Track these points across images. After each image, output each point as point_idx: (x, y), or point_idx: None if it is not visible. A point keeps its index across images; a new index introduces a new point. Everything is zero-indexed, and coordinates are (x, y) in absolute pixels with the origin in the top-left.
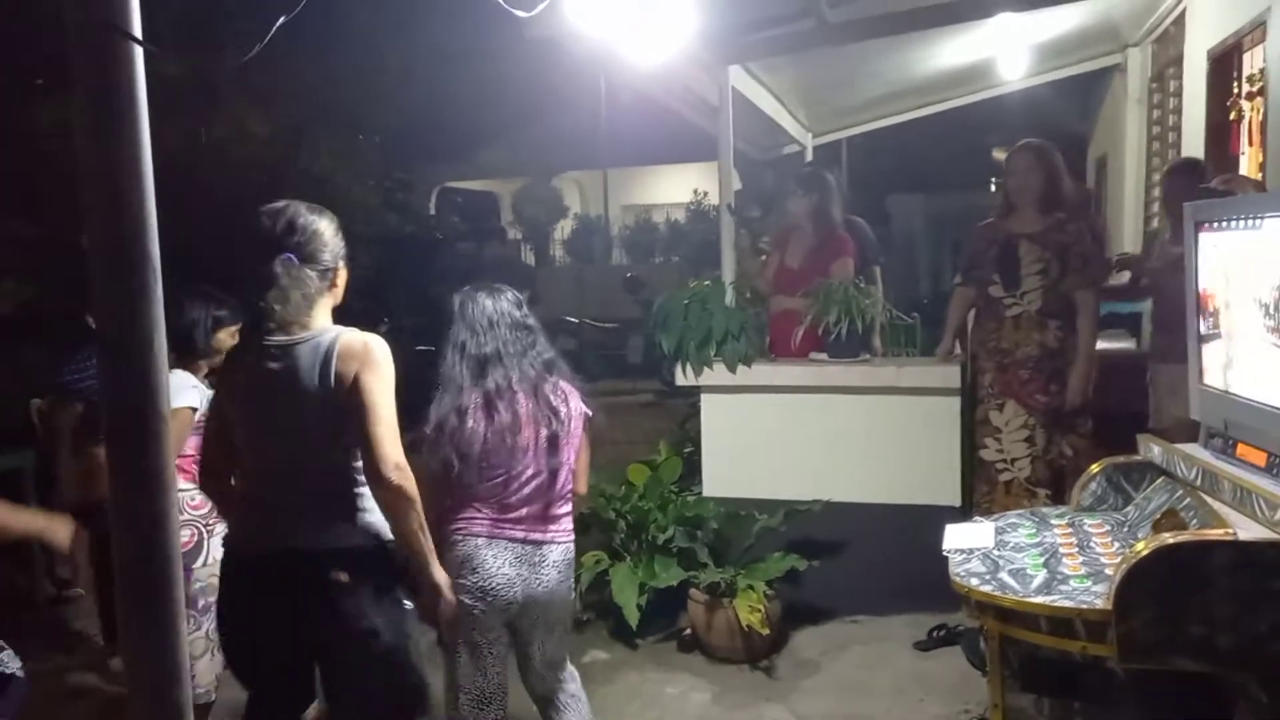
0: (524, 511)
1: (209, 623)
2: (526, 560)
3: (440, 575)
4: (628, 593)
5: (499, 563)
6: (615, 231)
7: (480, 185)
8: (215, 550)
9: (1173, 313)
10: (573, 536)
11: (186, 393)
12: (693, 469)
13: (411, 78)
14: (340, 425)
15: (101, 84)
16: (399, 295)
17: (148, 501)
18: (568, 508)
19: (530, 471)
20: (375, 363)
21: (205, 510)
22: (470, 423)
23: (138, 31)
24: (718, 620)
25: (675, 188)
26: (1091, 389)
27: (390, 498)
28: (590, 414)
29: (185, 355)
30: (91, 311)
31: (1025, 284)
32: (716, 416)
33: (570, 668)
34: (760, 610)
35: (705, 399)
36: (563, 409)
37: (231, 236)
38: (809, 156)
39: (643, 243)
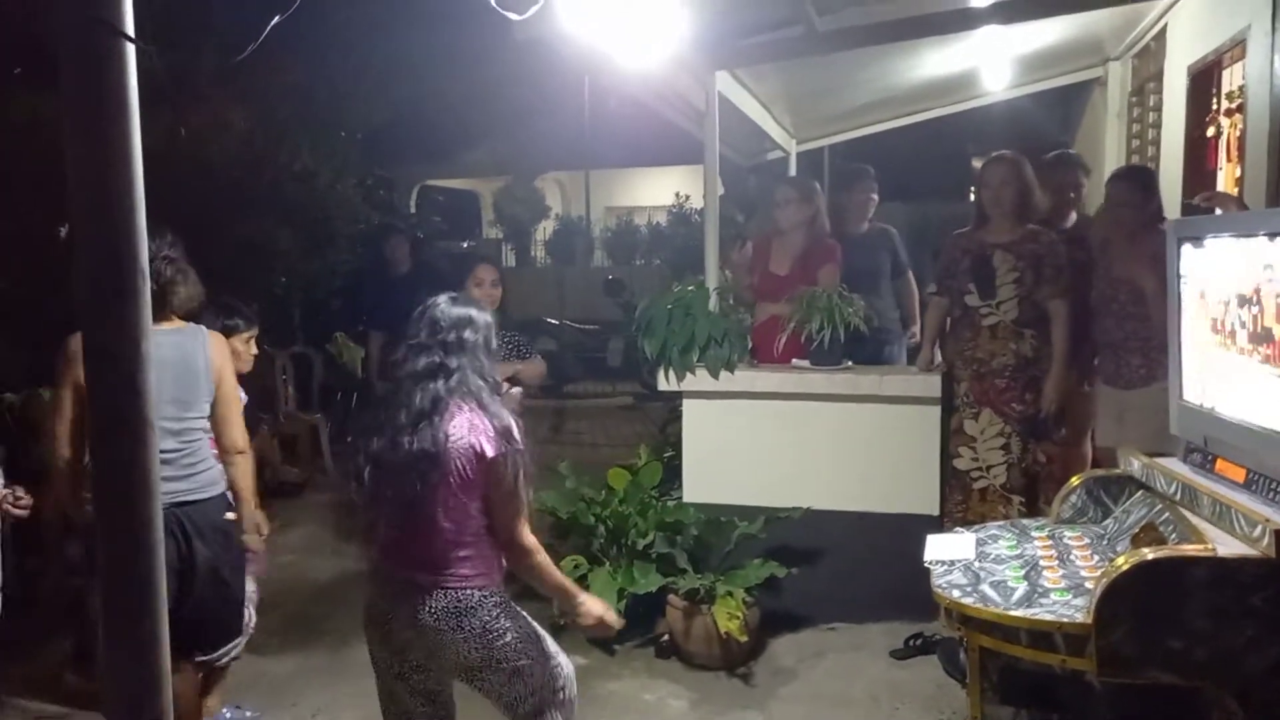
0: (401, 548)
1: None
2: (407, 599)
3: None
4: (606, 598)
5: (380, 593)
6: (597, 233)
7: (462, 184)
8: None
9: (1115, 330)
10: (471, 584)
11: None
12: (673, 474)
13: (395, 76)
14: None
15: (93, 83)
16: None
17: (132, 507)
18: (465, 553)
19: (401, 507)
20: (229, 356)
21: None
22: (362, 441)
23: (130, 29)
24: (696, 627)
25: (657, 190)
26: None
27: (239, 461)
28: (495, 456)
29: None
30: (78, 314)
31: (1001, 293)
32: (698, 422)
33: None
34: (739, 617)
35: (687, 404)
36: (443, 446)
37: (210, 234)
38: (793, 163)
39: (624, 245)
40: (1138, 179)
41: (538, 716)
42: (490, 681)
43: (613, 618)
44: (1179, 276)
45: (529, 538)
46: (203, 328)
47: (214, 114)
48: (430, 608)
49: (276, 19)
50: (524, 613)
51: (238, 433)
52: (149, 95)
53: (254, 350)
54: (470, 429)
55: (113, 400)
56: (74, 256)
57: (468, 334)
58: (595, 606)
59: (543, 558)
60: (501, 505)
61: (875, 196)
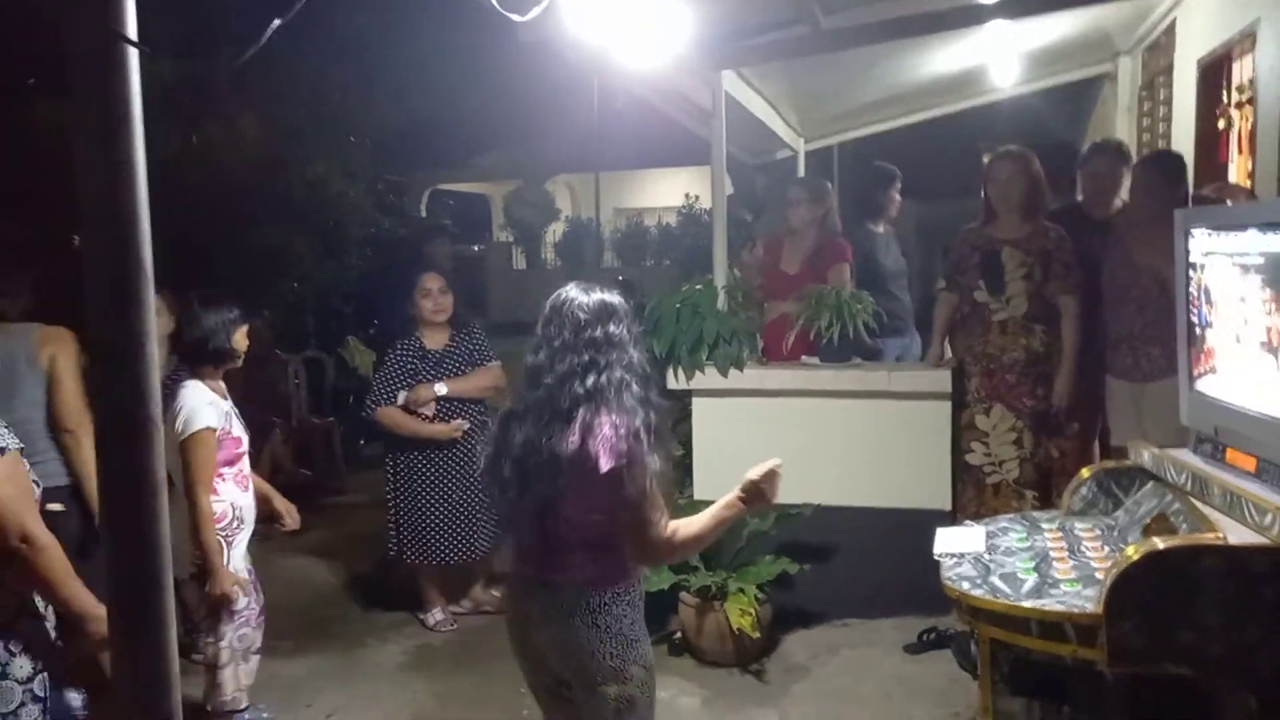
0: (534, 550)
1: (232, 632)
2: (539, 599)
3: None
4: None
5: (516, 597)
6: (606, 235)
7: (472, 188)
8: (235, 560)
9: (1135, 319)
10: (604, 583)
11: (204, 411)
12: (684, 472)
13: (405, 81)
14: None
15: (99, 89)
16: (390, 297)
17: (139, 507)
18: (596, 554)
19: (533, 510)
20: (70, 348)
21: (224, 522)
22: (496, 437)
23: (135, 36)
24: (708, 624)
25: (667, 191)
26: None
27: (68, 440)
28: (612, 467)
29: (209, 364)
30: (84, 317)
31: (1010, 289)
32: (708, 420)
33: None
34: (751, 614)
35: (697, 402)
36: (570, 450)
37: (224, 240)
38: (801, 162)
39: (634, 246)
40: (1162, 165)
41: None
42: (599, 710)
43: (764, 470)
44: (1189, 267)
45: (661, 535)
46: (35, 326)
47: (228, 121)
48: (563, 604)
49: (276, 23)
50: (649, 641)
51: (67, 412)
52: (165, 104)
53: (246, 342)
54: (592, 434)
55: (120, 402)
56: (83, 262)
57: (613, 327)
58: (746, 485)
59: (684, 534)
60: (623, 512)
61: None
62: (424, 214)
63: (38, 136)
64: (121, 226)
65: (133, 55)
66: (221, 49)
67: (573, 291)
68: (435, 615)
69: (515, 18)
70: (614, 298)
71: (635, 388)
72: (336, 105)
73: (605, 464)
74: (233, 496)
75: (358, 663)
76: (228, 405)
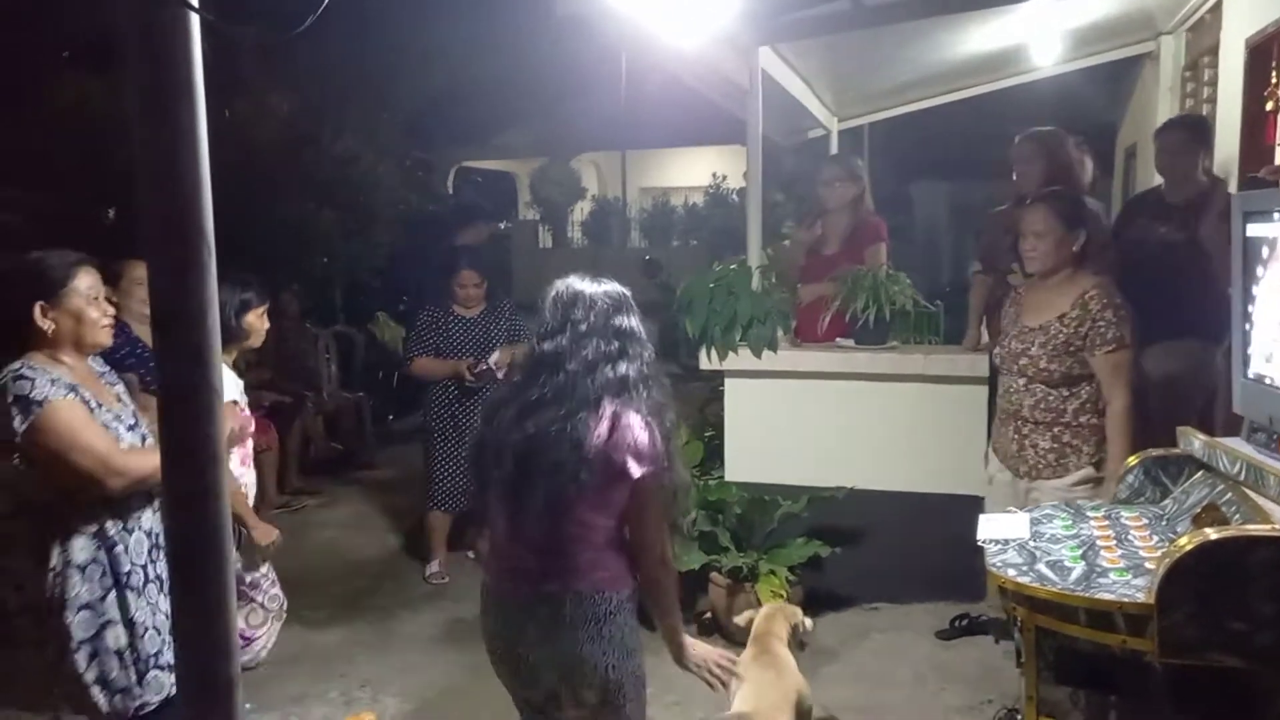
0: (522, 559)
1: (263, 595)
2: (534, 616)
3: None
4: None
5: (500, 621)
6: (633, 214)
7: (498, 165)
8: None
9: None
10: (609, 589)
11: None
12: (713, 453)
13: (434, 57)
14: None
15: (158, 55)
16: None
17: (199, 475)
18: (599, 556)
19: (532, 507)
20: None
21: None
22: (485, 424)
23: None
24: (739, 604)
25: (692, 171)
26: None
27: None
28: (642, 474)
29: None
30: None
31: None
32: (740, 401)
33: None
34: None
35: (729, 383)
36: (592, 448)
37: (253, 216)
38: (834, 140)
39: (660, 225)
40: (1181, 127)
41: None
42: None
43: (723, 668)
44: (1245, 250)
45: (669, 555)
46: None
47: (257, 96)
48: (566, 617)
49: (325, 2)
50: (642, 654)
51: None
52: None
53: (266, 324)
54: (622, 429)
55: (180, 370)
56: (141, 230)
57: (634, 321)
58: (705, 651)
59: (674, 580)
60: (643, 521)
61: None
62: (451, 191)
63: (65, 112)
64: (183, 196)
65: (193, 20)
66: (252, 21)
67: (585, 281)
68: (432, 567)
69: None
70: (628, 292)
71: (656, 386)
72: (365, 81)
73: (637, 470)
74: (237, 470)
75: (390, 634)
76: (234, 383)
